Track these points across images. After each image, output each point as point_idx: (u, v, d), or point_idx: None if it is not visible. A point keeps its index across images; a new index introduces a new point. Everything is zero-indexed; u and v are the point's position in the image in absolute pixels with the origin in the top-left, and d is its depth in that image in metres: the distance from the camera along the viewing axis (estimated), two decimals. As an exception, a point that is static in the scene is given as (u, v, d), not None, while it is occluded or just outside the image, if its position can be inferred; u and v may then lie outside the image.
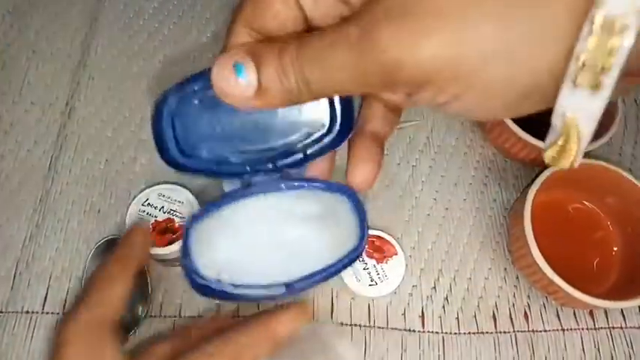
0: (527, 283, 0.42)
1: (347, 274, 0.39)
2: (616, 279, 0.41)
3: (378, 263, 0.40)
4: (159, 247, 0.36)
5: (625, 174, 0.41)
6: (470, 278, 0.42)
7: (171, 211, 0.38)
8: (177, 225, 0.37)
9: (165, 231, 0.37)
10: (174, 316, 0.39)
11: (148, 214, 0.37)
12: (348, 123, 0.25)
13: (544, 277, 0.37)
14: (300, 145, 0.26)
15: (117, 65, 0.49)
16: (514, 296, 0.41)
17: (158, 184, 0.39)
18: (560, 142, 0.17)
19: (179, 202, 0.38)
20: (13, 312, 0.39)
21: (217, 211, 0.27)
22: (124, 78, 0.49)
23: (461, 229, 0.44)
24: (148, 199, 0.38)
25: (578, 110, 0.16)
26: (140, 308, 0.38)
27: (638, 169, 0.47)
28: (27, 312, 0.39)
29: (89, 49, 0.50)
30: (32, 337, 0.38)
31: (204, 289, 0.27)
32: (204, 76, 0.25)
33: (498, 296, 0.41)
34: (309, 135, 0.26)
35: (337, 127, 0.25)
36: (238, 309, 0.39)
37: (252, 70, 0.19)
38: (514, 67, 0.17)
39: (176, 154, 0.26)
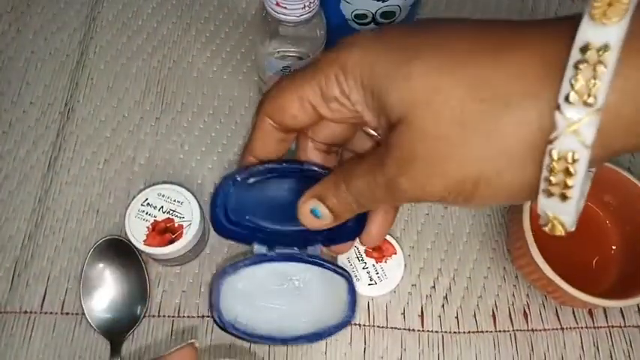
0: (526, 282, 0.42)
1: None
2: (615, 278, 0.41)
3: (377, 262, 0.40)
4: (158, 247, 0.36)
5: (624, 173, 0.41)
6: (469, 277, 0.42)
7: (171, 211, 0.37)
8: (176, 225, 0.37)
9: (165, 231, 0.37)
10: (173, 316, 0.39)
11: (147, 213, 0.37)
12: (362, 220, 0.31)
13: (543, 276, 0.37)
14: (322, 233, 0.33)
15: (116, 65, 0.49)
16: (513, 295, 0.41)
17: (157, 183, 0.39)
18: (548, 227, 0.21)
19: (178, 202, 0.38)
20: (11, 312, 0.39)
21: (245, 268, 0.34)
22: (123, 78, 0.49)
23: (460, 229, 0.44)
24: (147, 199, 0.38)
25: (557, 210, 0.20)
26: (139, 308, 0.38)
27: (637, 167, 0.47)
28: (25, 312, 0.39)
29: (88, 50, 0.50)
30: (31, 337, 0.38)
31: (225, 327, 0.34)
32: (260, 169, 0.31)
33: (498, 295, 0.41)
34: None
35: (353, 223, 0.31)
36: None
37: (323, 209, 0.27)
38: (499, 188, 0.22)
39: (225, 224, 0.33)
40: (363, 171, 0.25)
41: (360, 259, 0.40)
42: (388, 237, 0.41)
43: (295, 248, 0.34)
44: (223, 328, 0.34)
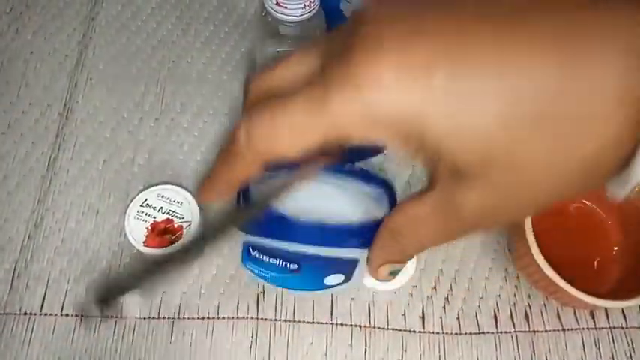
0: (527, 283, 0.42)
1: None
2: (617, 278, 0.41)
3: None
4: (158, 249, 0.36)
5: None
6: (470, 278, 0.42)
7: (170, 212, 0.37)
8: (176, 226, 0.37)
9: (164, 232, 0.37)
10: (173, 318, 0.39)
11: (146, 214, 0.37)
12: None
13: (544, 277, 0.36)
14: None
15: (115, 66, 0.49)
16: (515, 296, 0.41)
17: (157, 184, 0.38)
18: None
19: (178, 202, 0.38)
20: (11, 313, 0.39)
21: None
22: (122, 79, 0.49)
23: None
24: (146, 200, 0.38)
25: None
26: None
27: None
28: (25, 313, 0.39)
29: (87, 50, 0.50)
30: (30, 338, 0.38)
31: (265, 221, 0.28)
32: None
33: (499, 296, 0.41)
34: None
35: None
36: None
37: (396, 266, 0.26)
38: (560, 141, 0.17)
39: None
40: (423, 226, 0.22)
41: None
42: None
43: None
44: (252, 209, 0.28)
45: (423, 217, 0.21)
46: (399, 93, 0.17)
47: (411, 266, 0.40)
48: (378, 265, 0.25)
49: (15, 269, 0.40)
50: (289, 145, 0.20)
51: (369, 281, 0.39)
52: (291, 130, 0.19)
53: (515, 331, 0.40)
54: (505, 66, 0.16)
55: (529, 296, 0.41)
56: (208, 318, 0.39)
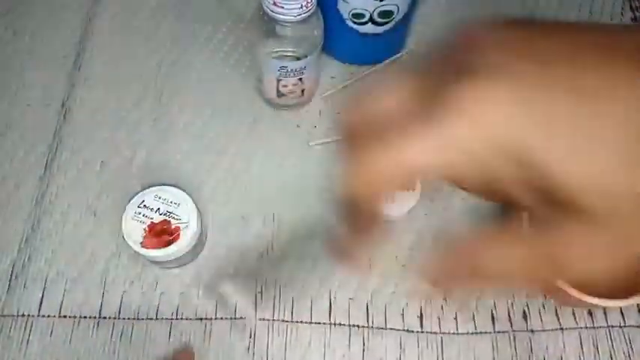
0: None
1: None
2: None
3: None
4: (155, 250, 0.36)
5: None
6: (468, 278, 0.42)
7: (168, 213, 0.37)
8: (173, 227, 0.37)
9: (162, 233, 0.37)
10: (171, 319, 0.39)
11: (144, 215, 0.37)
12: None
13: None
14: None
15: (113, 67, 0.49)
16: (512, 296, 0.41)
17: (154, 185, 0.38)
18: None
19: (175, 203, 0.38)
20: (8, 315, 0.39)
21: None
22: (120, 80, 0.49)
23: (459, 229, 0.43)
24: (144, 201, 0.38)
25: None
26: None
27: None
28: (23, 315, 0.39)
29: (85, 51, 0.50)
30: (28, 340, 0.38)
31: None
32: None
33: (497, 296, 0.41)
34: None
35: None
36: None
37: None
38: None
39: None
40: (511, 264, 0.20)
41: None
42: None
43: None
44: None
45: (516, 257, 0.20)
46: (516, 126, 0.16)
47: (408, 203, 0.41)
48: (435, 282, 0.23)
49: (12, 271, 0.40)
50: (412, 170, 0.19)
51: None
52: (414, 156, 0.18)
53: (513, 331, 0.40)
54: (631, 104, 0.16)
55: (527, 296, 0.41)
56: (206, 319, 0.39)
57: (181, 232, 0.37)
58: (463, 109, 0.17)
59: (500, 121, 0.17)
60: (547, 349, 0.40)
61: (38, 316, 0.39)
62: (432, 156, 0.18)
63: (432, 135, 0.18)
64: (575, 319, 0.41)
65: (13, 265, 0.40)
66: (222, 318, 0.39)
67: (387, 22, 0.44)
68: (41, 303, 0.39)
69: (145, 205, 0.37)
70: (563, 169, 0.16)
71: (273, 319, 0.39)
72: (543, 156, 0.16)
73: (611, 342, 0.40)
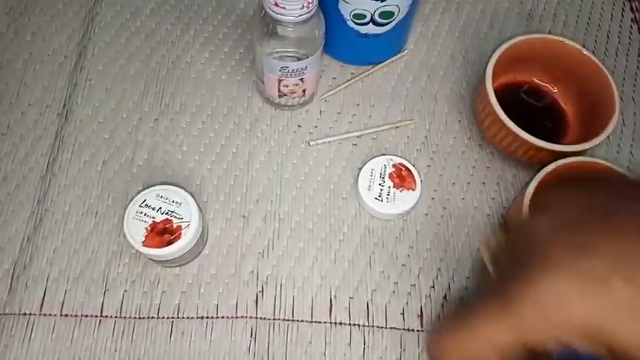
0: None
1: (362, 177, 0.43)
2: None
3: (394, 187, 0.43)
4: (157, 249, 0.36)
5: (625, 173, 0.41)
6: (469, 277, 0.42)
7: (169, 212, 0.37)
8: (175, 226, 0.37)
9: (163, 232, 0.37)
10: (173, 317, 0.39)
11: (145, 215, 0.37)
12: None
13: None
14: None
15: (114, 66, 0.49)
16: (513, 295, 0.41)
17: (156, 185, 0.39)
18: None
19: (177, 203, 0.38)
20: (10, 314, 0.39)
21: None
22: (121, 79, 0.49)
23: (459, 228, 0.44)
24: (145, 200, 0.38)
25: None
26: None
27: (637, 167, 0.47)
28: (24, 314, 0.39)
29: (86, 51, 0.50)
30: (30, 339, 0.38)
31: None
32: None
33: (497, 295, 0.41)
34: None
35: None
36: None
37: None
38: None
39: None
40: None
41: (382, 176, 0.43)
42: (415, 175, 0.43)
43: None
44: None
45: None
46: (580, 305, 0.20)
47: (406, 204, 0.42)
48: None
49: (14, 270, 0.40)
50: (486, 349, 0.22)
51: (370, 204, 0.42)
52: (486, 337, 0.22)
53: (513, 330, 0.40)
54: None
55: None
56: (207, 317, 0.39)
57: (183, 231, 0.37)
58: (540, 302, 0.21)
59: (574, 313, 0.20)
60: (547, 348, 0.40)
61: (40, 314, 0.39)
62: (506, 336, 0.21)
63: (508, 318, 0.21)
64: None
65: (15, 264, 0.41)
66: (223, 317, 0.39)
67: (387, 23, 0.44)
68: (43, 302, 0.39)
69: (146, 205, 0.37)
70: (629, 335, 0.19)
71: (274, 318, 0.39)
72: (625, 338, 0.19)
73: None
